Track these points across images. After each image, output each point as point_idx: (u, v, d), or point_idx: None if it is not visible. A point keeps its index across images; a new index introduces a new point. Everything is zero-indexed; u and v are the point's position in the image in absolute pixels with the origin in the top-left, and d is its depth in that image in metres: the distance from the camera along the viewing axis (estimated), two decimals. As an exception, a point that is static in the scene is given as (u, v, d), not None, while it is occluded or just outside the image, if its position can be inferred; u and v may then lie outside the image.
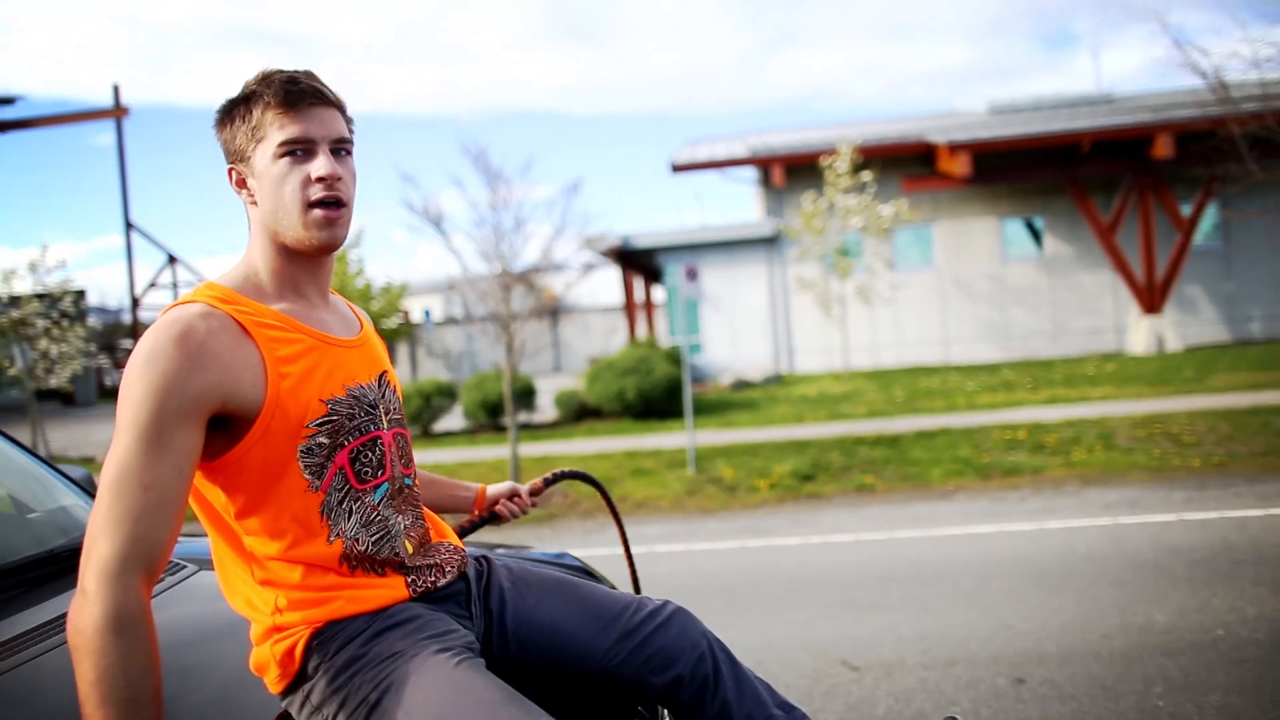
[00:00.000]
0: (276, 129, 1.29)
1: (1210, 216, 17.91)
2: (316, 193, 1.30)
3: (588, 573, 1.95)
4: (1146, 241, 16.62)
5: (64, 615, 1.46)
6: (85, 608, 1.08)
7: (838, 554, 5.53)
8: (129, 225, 30.03)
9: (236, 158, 1.35)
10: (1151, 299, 16.68)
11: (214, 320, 1.24)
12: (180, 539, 2.07)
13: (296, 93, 1.30)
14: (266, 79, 1.32)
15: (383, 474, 1.37)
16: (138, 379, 1.18)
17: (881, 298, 17.66)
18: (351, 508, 1.32)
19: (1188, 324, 17.90)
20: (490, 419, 13.23)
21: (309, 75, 1.34)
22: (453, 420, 14.27)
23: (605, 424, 12.94)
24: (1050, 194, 18.03)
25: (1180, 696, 2.96)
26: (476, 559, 1.56)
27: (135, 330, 30.62)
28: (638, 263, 20.59)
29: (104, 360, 44.78)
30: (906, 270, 18.63)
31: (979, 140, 16.32)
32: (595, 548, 6.26)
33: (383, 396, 1.41)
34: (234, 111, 1.33)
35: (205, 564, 1.80)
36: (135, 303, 30.41)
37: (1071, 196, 17.06)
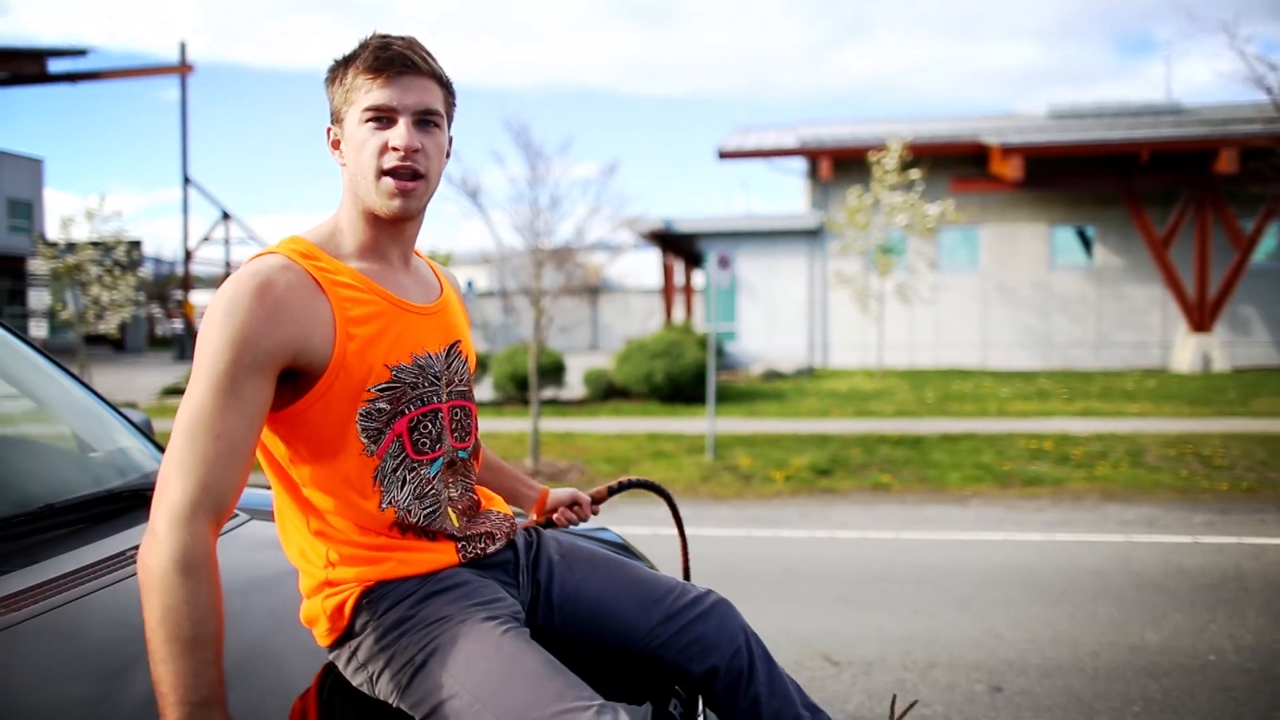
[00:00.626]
0: (364, 93, 1.29)
1: (1272, 236, 17.40)
2: (390, 161, 1.29)
3: (627, 549, 1.98)
4: (1201, 257, 16.19)
5: (119, 554, 1.52)
6: (154, 548, 1.11)
7: (841, 550, 5.52)
8: (186, 180, 30.74)
9: (334, 118, 1.36)
10: (1201, 317, 16.27)
11: (292, 274, 1.25)
12: None
13: (385, 59, 1.29)
14: (366, 42, 1.32)
15: (440, 448, 1.37)
16: (217, 329, 1.19)
17: (921, 297, 17.44)
18: (406, 477, 1.33)
19: (1238, 345, 17.43)
20: (519, 392, 13.35)
21: (407, 42, 1.32)
22: (483, 392, 14.42)
23: (632, 405, 13.00)
24: (1104, 204, 17.63)
25: (1156, 718, 2.93)
26: (526, 530, 1.57)
27: (187, 282, 31.35)
28: (679, 247, 20.54)
29: (156, 310, 45.91)
30: (950, 271, 18.36)
31: (1033, 144, 16.00)
32: (627, 525, 6.31)
33: (448, 367, 1.41)
34: (336, 72, 1.34)
35: (259, 514, 1.86)
36: (188, 256, 31.14)
37: (1126, 207, 16.66)
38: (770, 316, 18.69)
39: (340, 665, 1.31)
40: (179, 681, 1.06)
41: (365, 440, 1.29)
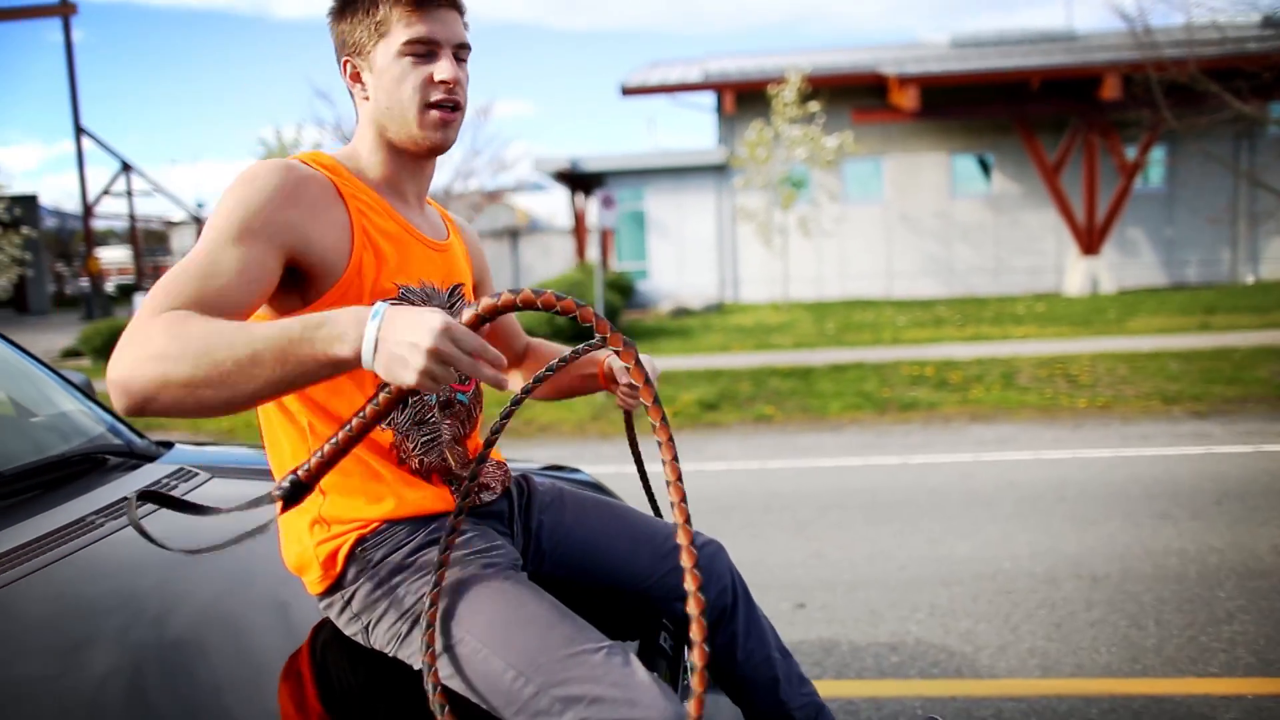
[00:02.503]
0: (403, 27, 1.27)
1: (1158, 161, 18.02)
2: (436, 95, 1.28)
3: (599, 488, 2.05)
4: (1090, 183, 16.72)
5: (72, 524, 1.43)
6: (138, 339, 1.00)
7: (700, 481, 5.71)
8: (79, 130, 29.15)
9: (354, 51, 1.32)
10: (1090, 240, 16.88)
11: (315, 174, 1.25)
12: (196, 447, 2.07)
13: None
14: None
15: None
16: (230, 194, 1.17)
17: (824, 230, 17.70)
18: (408, 399, 1.23)
19: (1127, 266, 18.16)
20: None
21: None
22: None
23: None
24: (1001, 132, 18.01)
25: (934, 623, 3.16)
26: (518, 478, 1.56)
27: (89, 238, 30.00)
28: (589, 186, 20.40)
29: (61, 268, 43.84)
30: (855, 203, 18.63)
31: (929, 74, 16.19)
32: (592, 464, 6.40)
33: (450, 306, 1.39)
34: (357, 4, 1.30)
35: (220, 471, 1.84)
36: (88, 210, 29.73)
37: (1020, 135, 17.06)
38: (680, 254, 18.79)
39: (333, 615, 1.29)
40: (283, 333, 0.98)
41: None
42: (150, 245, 51.70)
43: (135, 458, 1.86)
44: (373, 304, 1.02)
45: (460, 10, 1.34)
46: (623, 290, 16.96)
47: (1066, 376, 8.80)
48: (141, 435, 2.00)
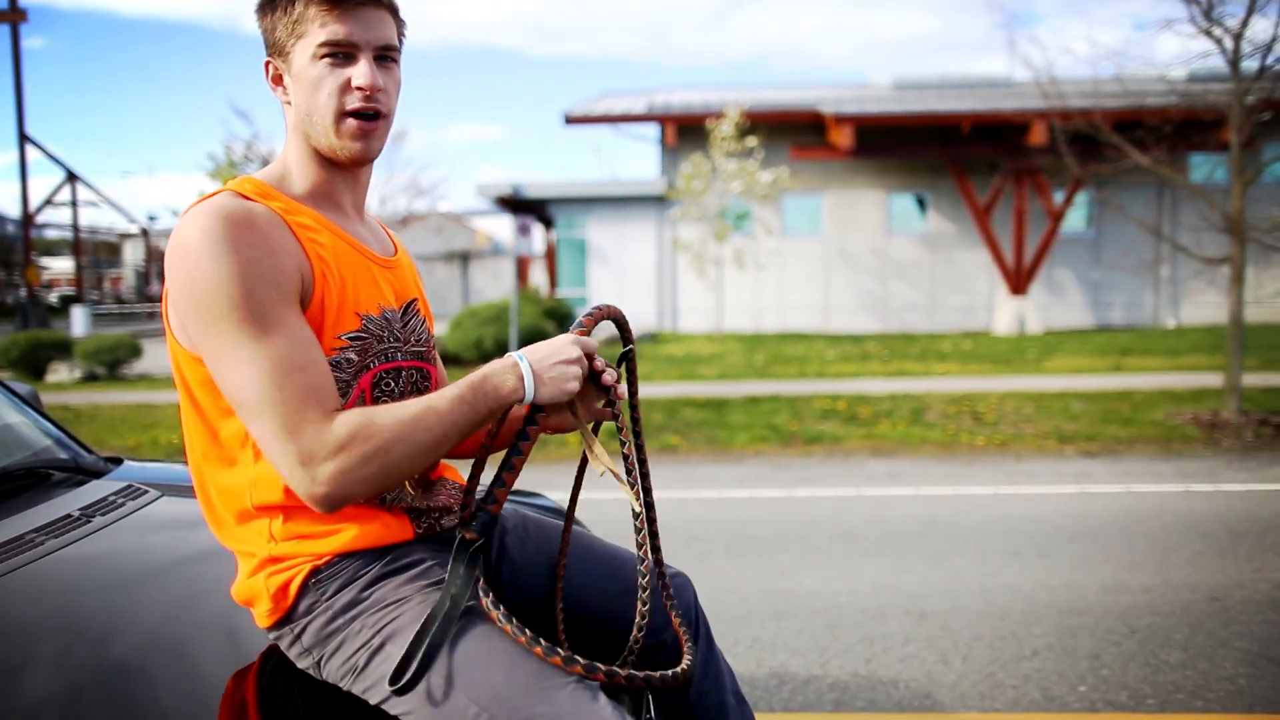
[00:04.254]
0: (318, 27, 1.17)
1: (1083, 205, 18.57)
2: (353, 102, 1.19)
3: (557, 513, 1.97)
4: (1019, 225, 17.18)
5: (15, 540, 1.40)
6: (327, 482, 1.07)
7: (581, 511, 5.72)
8: (24, 138, 28.59)
9: (275, 51, 1.23)
10: (1018, 281, 17.30)
11: (257, 208, 1.16)
12: (144, 464, 2.00)
13: None
14: None
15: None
16: (210, 272, 1.08)
17: (758, 263, 17.93)
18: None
19: (1055, 307, 18.62)
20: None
21: None
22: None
23: (461, 371, 12.99)
24: (936, 173, 18.45)
25: (751, 656, 3.20)
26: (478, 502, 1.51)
27: (28, 247, 29.35)
28: (532, 211, 20.47)
29: (1, 276, 42.81)
30: (795, 238, 18.92)
31: (864, 114, 16.57)
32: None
33: (404, 325, 1.32)
34: (278, 1, 1.20)
35: (171, 489, 1.77)
36: (28, 220, 29.09)
37: (953, 176, 17.49)
38: (620, 281, 18.90)
39: (283, 646, 1.23)
40: (459, 404, 1.13)
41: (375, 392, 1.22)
42: (103, 256, 50.78)
43: (81, 473, 1.81)
44: (505, 356, 1.19)
45: (390, 9, 1.24)
46: (560, 317, 16.99)
47: (973, 414, 8.98)
48: (90, 450, 1.94)
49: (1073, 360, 13.22)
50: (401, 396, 1.29)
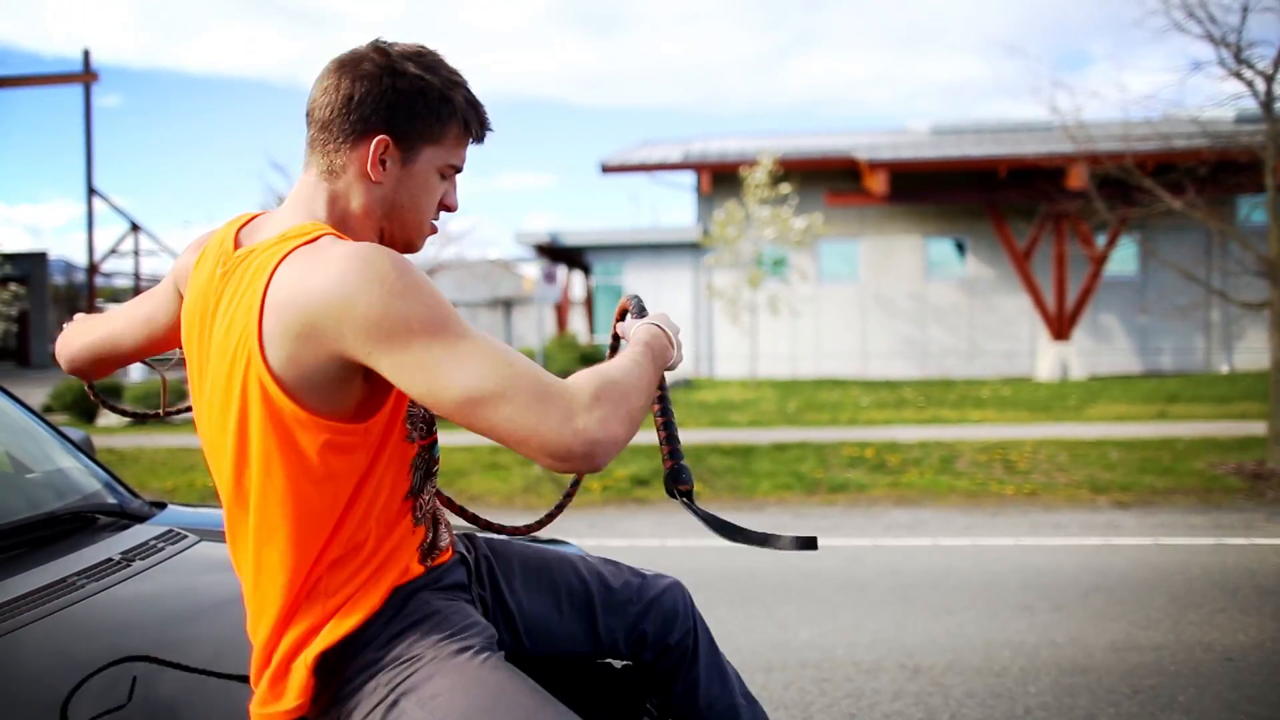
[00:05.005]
0: (456, 150, 1.26)
1: (1129, 247, 18.24)
2: (440, 217, 1.32)
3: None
4: (1059, 270, 16.92)
5: (59, 582, 1.44)
6: (601, 435, 1.06)
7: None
8: (91, 191, 29.89)
9: (398, 136, 1.21)
10: (1060, 326, 16.99)
11: None
12: (187, 508, 2.06)
13: (486, 132, 1.30)
14: (471, 102, 1.26)
15: (432, 433, 1.32)
16: (428, 292, 1.10)
17: (793, 309, 17.88)
18: (420, 463, 1.29)
19: (1100, 353, 18.22)
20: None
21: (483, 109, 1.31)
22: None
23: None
24: (975, 217, 18.30)
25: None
26: (462, 539, 1.47)
27: (91, 295, 30.48)
28: (570, 259, 20.73)
29: (70, 322, 44.45)
30: (831, 283, 18.86)
31: (898, 160, 16.56)
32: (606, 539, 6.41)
33: None
34: (423, 96, 1.21)
35: (209, 535, 1.81)
36: (93, 268, 30.28)
37: (990, 221, 17.33)
38: (656, 328, 18.97)
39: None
40: (644, 365, 1.21)
41: (408, 426, 1.25)
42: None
43: (126, 517, 1.86)
44: (642, 321, 1.35)
45: None
46: (585, 360, 17.08)
47: (1005, 462, 8.79)
48: (136, 495, 1.98)
49: (1115, 408, 12.89)
50: (430, 424, 1.33)
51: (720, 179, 18.29)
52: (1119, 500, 7.29)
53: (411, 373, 1.07)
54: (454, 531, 1.42)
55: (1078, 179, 15.63)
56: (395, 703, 1.13)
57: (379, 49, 1.23)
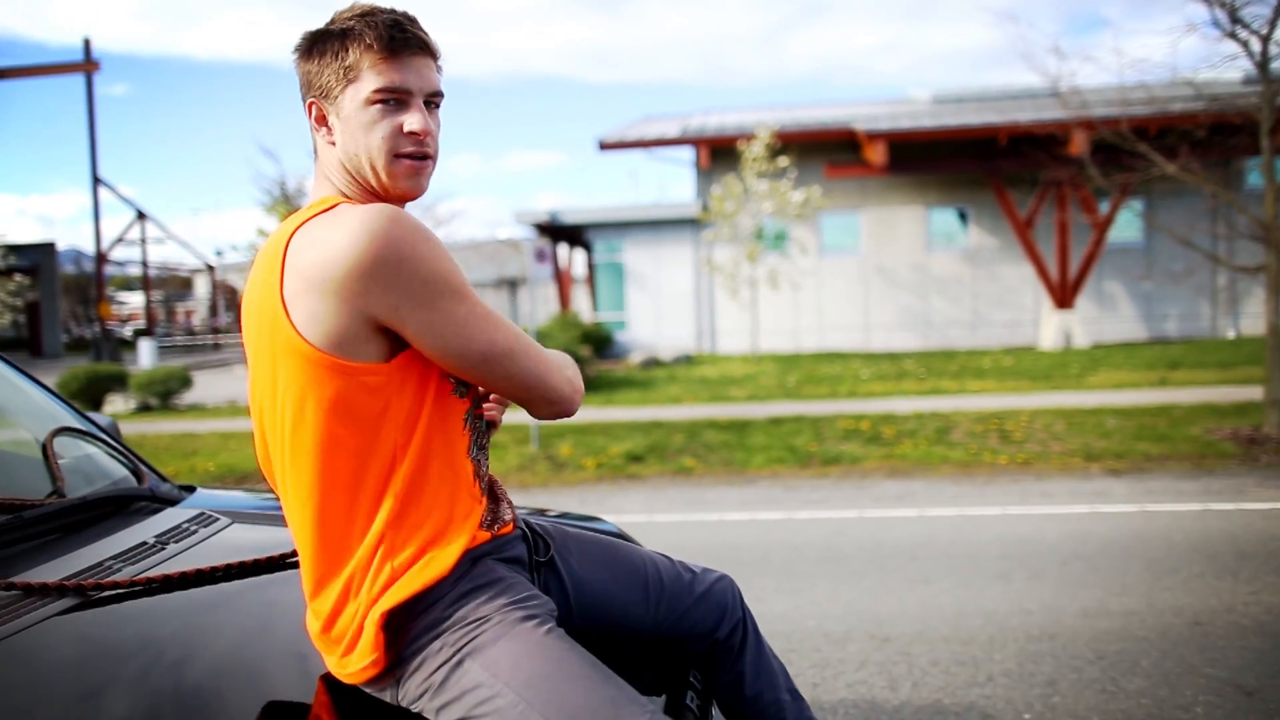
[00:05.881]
0: (374, 75, 1.21)
1: (1134, 212, 18.09)
2: (406, 146, 1.24)
3: (622, 538, 1.97)
4: (1061, 238, 16.79)
5: (92, 567, 1.45)
6: (562, 373, 1.32)
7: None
8: (96, 180, 29.97)
9: (321, 94, 1.26)
10: (1063, 295, 16.89)
11: None
12: (218, 491, 2.11)
13: (400, 40, 1.23)
14: (369, 18, 1.23)
15: (470, 390, 1.32)
16: (443, 256, 1.17)
17: (792, 283, 17.81)
18: (470, 420, 1.32)
19: (1104, 320, 18.12)
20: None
21: (412, 21, 1.26)
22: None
23: (496, 398, 13.15)
24: (976, 186, 18.16)
25: (699, 681, 3.19)
26: (522, 521, 1.48)
27: (100, 284, 30.66)
28: (570, 237, 20.70)
29: (79, 312, 44.74)
30: (832, 256, 18.78)
31: (896, 130, 16.42)
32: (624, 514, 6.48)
33: None
34: (325, 46, 1.25)
35: (240, 516, 1.86)
36: (101, 257, 30.43)
37: (992, 190, 17.19)
38: (657, 304, 18.96)
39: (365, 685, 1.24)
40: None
41: (453, 379, 1.27)
42: (176, 290, 53.00)
43: (158, 501, 1.87)
44: None
45: (434, 55, 1.28)
46: (599, 341, 17.11)
47: (1000, 432, 8.79)
48: (165, 479, 2.01)
49: (1117, 375, 12.84)
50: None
51: (719, 154, 18.18)
52: (1112, 468, 7.29)
53: (440, 329, 1.16)
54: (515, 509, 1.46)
55: (1078, 146, 15.47)
56: (460, 663, 1.16)
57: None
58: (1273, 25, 7.79)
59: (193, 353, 34.44)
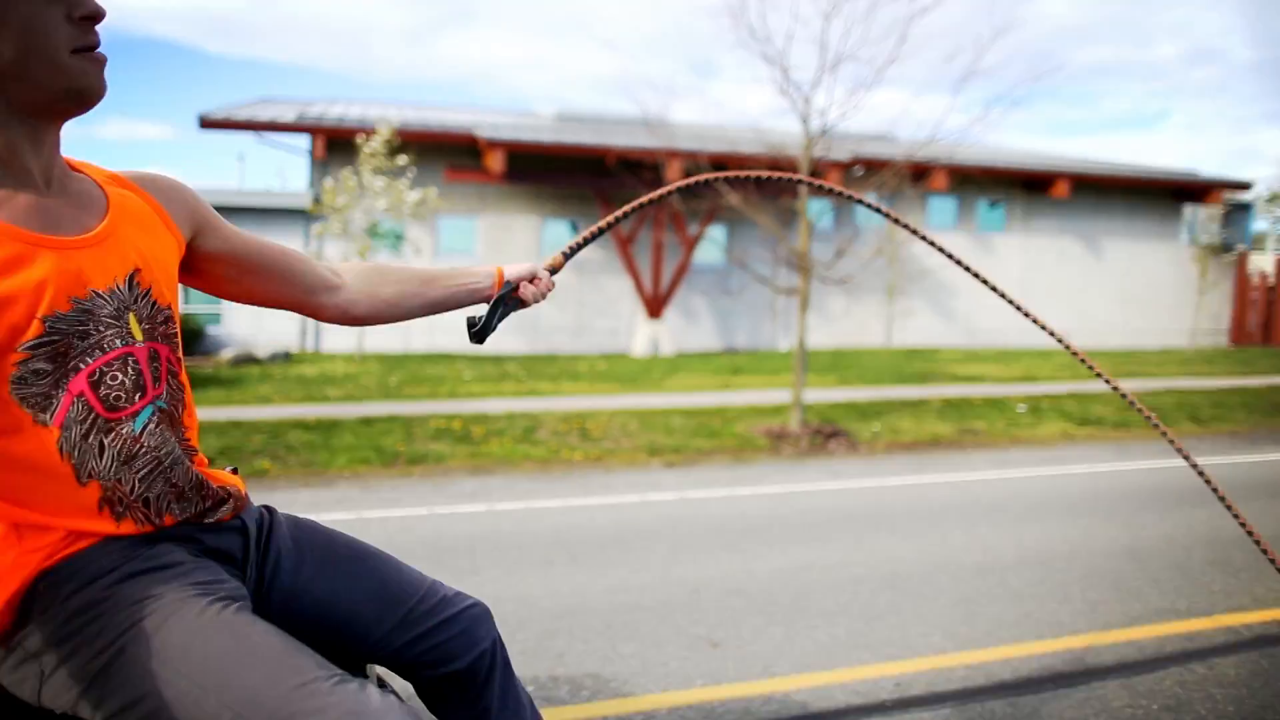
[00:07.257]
0: None
1: (718, 239, 20.45)
2: (83, 37, 1.03)
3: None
4: (656, 255, 18.49)
5: None
6: None
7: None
8: None
9: None
10: (654, 306, 18.60)
11: None
12: None
13: None
14: None
15: (142, 397, 1.13)
16: None
17: (410, 282, 17.65)
18: (103, 442, 1.09)
19: (688, 331, 20.25)
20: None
21: None
22: None
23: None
24: (588, 202, 19.35)
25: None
26: (260, 510, 1.35)
27: None
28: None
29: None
30: (448, 258, 18.88)
31: (515, 141, 16.99)
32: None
33: (135, 302, 1.13)
34: None
35: None
36: None
37: (600, 206, 18.43)
38: (258, 297, 17.70)
39: None
40: None
41: (29, 410, 1.04)
42: None
43: None
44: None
45: None
46: (187, 336, 15.51)
47: (581, 431, 9.42)
48: None
49: (691, 379, 14.40)
50: (140, 388, 1.14)
51: (336, 145, 17.44)
52: (670, 461, 8.15)
53: None
54: (246, 496, 1.34)
55: (676, 172, 17.16)
56: (123, 649, 1.03)
57: None
58: (813, 87, 9.27)
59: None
